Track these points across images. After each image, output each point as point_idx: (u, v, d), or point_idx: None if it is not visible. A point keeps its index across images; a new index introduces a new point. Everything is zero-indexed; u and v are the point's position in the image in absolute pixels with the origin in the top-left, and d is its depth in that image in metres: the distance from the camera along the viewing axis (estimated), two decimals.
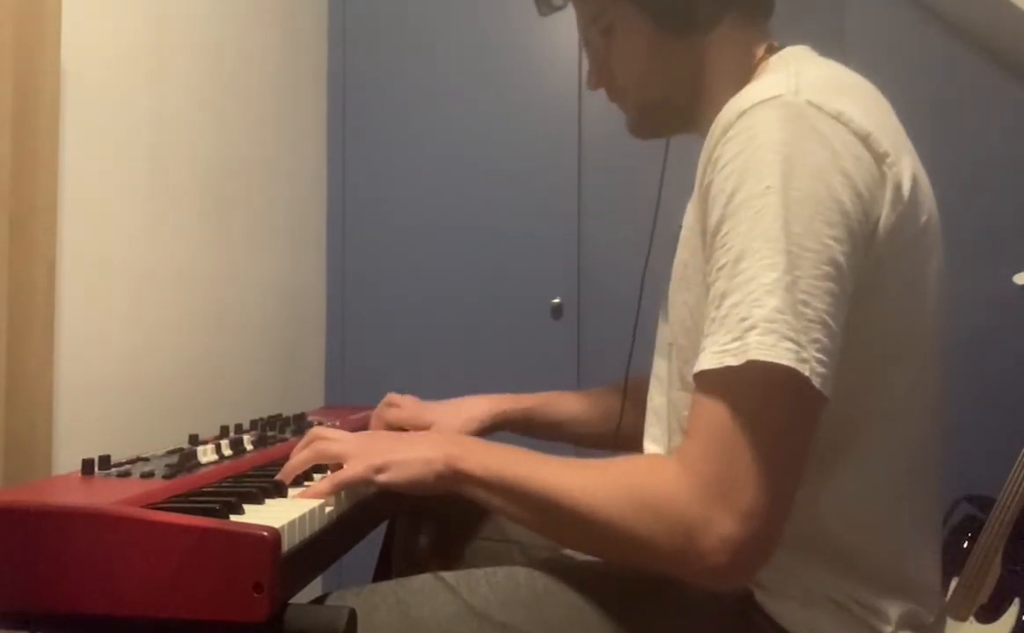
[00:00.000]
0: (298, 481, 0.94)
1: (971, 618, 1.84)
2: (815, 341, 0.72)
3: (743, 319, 0.72)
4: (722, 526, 0.72)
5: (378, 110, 2.49)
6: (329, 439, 0.92)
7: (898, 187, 0.78)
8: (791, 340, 0.71)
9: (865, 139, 0.77)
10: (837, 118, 0.77)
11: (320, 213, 2.49)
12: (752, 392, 0.73)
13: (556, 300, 2.39)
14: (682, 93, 0.97)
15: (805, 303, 0.72)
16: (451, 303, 2.44)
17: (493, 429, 1.24)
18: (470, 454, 0.86)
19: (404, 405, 1.27)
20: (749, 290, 0.73)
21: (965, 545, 1.86)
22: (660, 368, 1.00)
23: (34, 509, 0.72)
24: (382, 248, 2.48)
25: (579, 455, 1.23)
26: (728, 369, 0.73)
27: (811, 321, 0.72)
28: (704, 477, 0.73)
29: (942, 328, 0.86)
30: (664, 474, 0.76)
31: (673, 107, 0.99)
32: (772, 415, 0.73)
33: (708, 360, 0.75)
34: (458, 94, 2.45)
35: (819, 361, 0.72)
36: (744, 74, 0.91)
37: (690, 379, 0.88)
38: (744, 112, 0.78)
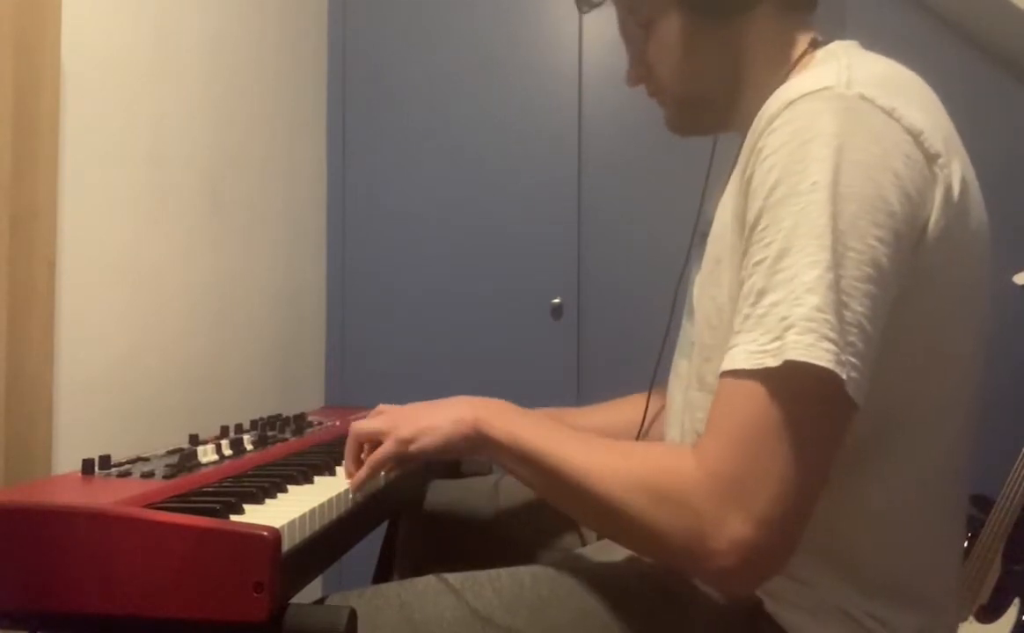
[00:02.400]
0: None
1: (971, 618, 1.84)
2: (850, 345, 0.69)
3: (783, 318, 0.70)
4: (734, 528, 0.70)
5: (378, 110, 2.49)
6: (363, 423, 0.95)
7: (948, 189, 0.75)
8: (831, 341, 0.68)
9: (917, 137, 0.74)
10: (890, 114, 0.74)
11: (320, 213, 2.49)
12: (784, 393, 0.70)
13: (556, 300, 2.39)
14: (721, 87, 0.94)
15: (846, 305, 0.70)
16: (451, 303, 2.44)
17: None
18: (497, 419, 0.87)
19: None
20: (791, 289, 0.70)
21: (965, 545, 1.86)
22: (681, 367, 0.98)
23: (34, 509, 0.72)
24: (382, 248, 2.48)
25: None
26: (764, 370, 0.70)
27: (848, 324, 0.70)
28: (721, 475, 0.71)
29: (986, 339, 0.84)
30: (681, 466, 0.74)
31: (712, 102, 0.96)
32: (801, 419, 0.70)
33: (743, 359, 0.72)
34: (458, 93, 2.45)
35: (853, 366, 0.69)
36: (785, 67, 0.89)
37: (709, 379, 0.86)
38: (791, 103, 0.75)
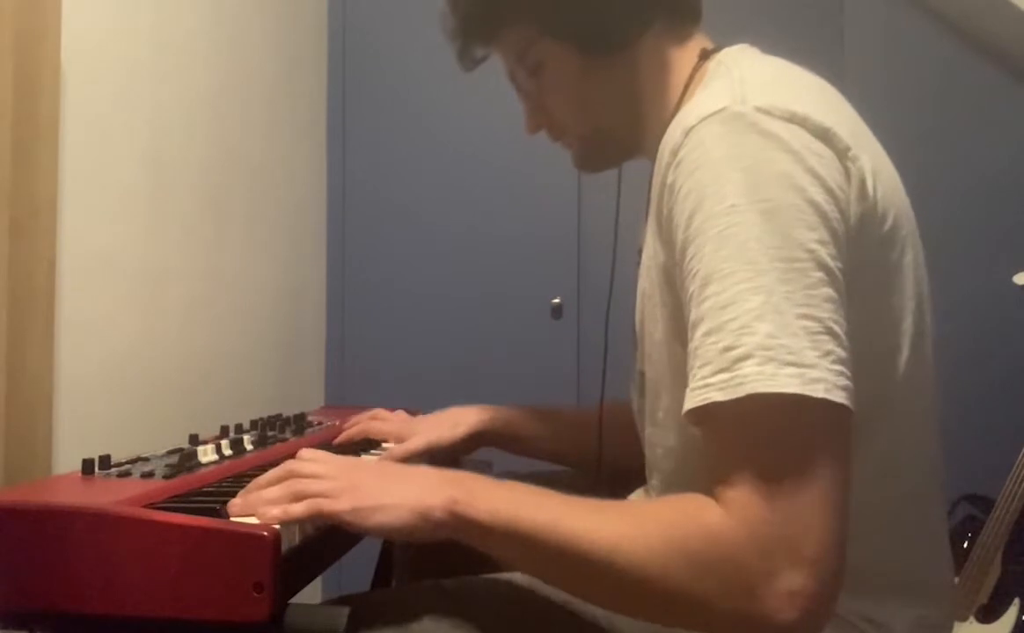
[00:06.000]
0: None
1: (971, 618, 1.84)
2: (828, 353, 0.67)
3: (728, 348, 0.67)
4: (788, 579, 0.65)
5: (378, 110, 2.49)
6: (308, 476, 0.77)
7: (862, 182, 0.75)
8: (792, 364, 0.66)
9: (824, 135, 0.73)
10: (791, 119, 0.72)
11: (320, 213, 2.49)
12: (758, 425, 0.67)
13: (556, 300, 2.39)
14: (620, 117, 0.93)
15: (807, 316, 0.67)
16: (451, 303, 2.44)
17: (480, 438, 1.19)
18: (476, 497, 0.75)
19: (391, 420, 1.21)
20: (728, 317, 0.68)
21: (965, 545, 1.86)
22: (635, 402, 0.96)
23: (34, 509, 0.72)
24: (382, 248, 2.48)
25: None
26: (713, 405, 0.67)
27: (818, 334, 0.67)
28: (758, 526, 0.67)
29: (928, 324, 0.83)
30: (713, 524, 0.69)
31: (615, 134, 0.95)
32: (797, 446, 0.67)
33: (691, 398, 0.69)
34: (458, 93, 2.45)
35: (838, 373, 0.67)
36: (680, 85, 0.88)
37: (660, 416, 0.87)
38: (690, 130, 0.74)
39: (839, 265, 0.71)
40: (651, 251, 0.84)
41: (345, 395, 2.46)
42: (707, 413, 0.69)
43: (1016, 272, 1.90)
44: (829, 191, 0.71)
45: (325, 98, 2.50)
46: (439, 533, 0.75)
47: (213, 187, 1.85)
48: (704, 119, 0.73)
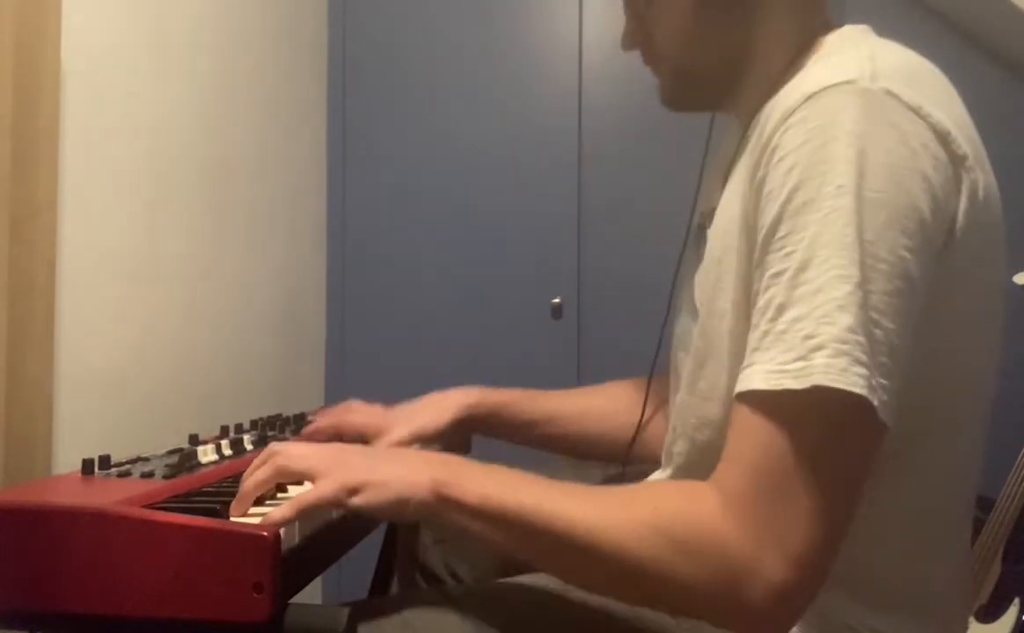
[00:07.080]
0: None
1: (971, 618, 1.84)
2: (881, 365, 0.65)
3: (808, 337, 0.65)
4: (772, 571, 0.65)
5: (378, 110, 2.49)
6: (291, 455, 0.77)
7: (974, 193, 0.71)
8: (862, 364, 0.64)
9: (944, 138, 0.69)
10: (916, 112, 0.69)
11: (320, 212, 2.49)
12: (814, 421, 0.65)
13: (556, 300, 2.39)
14: (725, 62, 0.87)
15: (876, 323, 0.65)
16: (451, 303, 2.44)
17: (468, 423, 1.15)
18: (461, 478, 0.74)
19: (366, 412, 1.15)
20: (816, 304, 0.65)
21: None
22: (685, 365, 0.90)
23: (34, 509, 0.72)
24: (382, 247, 2.48)
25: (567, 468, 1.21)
26: (786, 392, 0.65)
27: (878, 342, 0.65)
28: (752, 515, 0.66)
29: (1001, 344, 0.81)
30: (704, 508, 0.68)
31: (713, 77, 0.89)
32: (833, 448, 0.66)
33: (763, 379, 0.66)
34: (458, 93, 2.46)
35: (884, 388, 0.65)
36: (798, 50, 0.83)
37: (701, 385, 0.83)
38: (811, 96, 0.69)
39: (923, 277, 0.68)
40: (733, 214, 0.79)
41: (345, 395, 2.45)
42: (772, 398, 0.66)
43: (1016, 272, 1.90)
44: (935, 199, 0.68)
45: (325, 98, 2.50)
46: (422, 512, 0.75)
47: (213, 187, 1.84)
48: (828, 87, 0.69)
